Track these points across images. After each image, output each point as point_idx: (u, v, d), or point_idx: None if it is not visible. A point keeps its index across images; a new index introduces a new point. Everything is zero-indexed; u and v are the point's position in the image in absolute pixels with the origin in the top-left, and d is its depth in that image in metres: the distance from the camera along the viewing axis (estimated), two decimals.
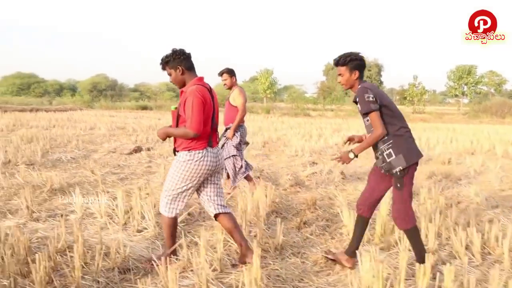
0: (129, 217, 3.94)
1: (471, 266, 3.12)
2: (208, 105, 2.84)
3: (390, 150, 2.78)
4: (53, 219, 4.00)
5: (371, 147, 2.93)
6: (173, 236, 3.05)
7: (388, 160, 2.80)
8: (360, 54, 2.91)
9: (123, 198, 4.04)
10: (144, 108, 33.23)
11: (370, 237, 3.69)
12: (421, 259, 2.79)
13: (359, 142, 3.15)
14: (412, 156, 2.79)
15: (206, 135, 2.85)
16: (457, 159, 8.84)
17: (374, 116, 2.72)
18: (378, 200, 3.04)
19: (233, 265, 3.02)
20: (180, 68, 2.87)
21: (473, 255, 3.28)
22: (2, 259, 2.68)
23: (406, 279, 2.53)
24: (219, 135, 3.78)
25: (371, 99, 2.72)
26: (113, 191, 5.18)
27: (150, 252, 3.24)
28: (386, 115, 2.81)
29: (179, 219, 3.98)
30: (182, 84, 2.93)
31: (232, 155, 4.99)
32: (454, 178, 6.67)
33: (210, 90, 2.94)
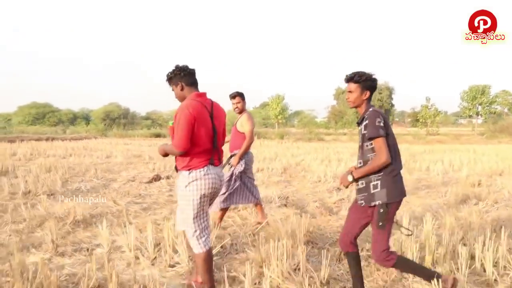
0: (159, 251, 3.72)
1: None
2: (203, 122, 2.71)
3: (378, 182, 2.65)
4: (79, 254, 3.80)
5: None
6: (210, 270, 2.84)
7: (372, 192, 2.66)
8: (374, 76, 2.79)
9: (153, 230, 3.84)
10: (158, 135, 33.39)
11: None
12: (430, 278, 2.68)
13: None
14: (396, 193, 2.66)
15: (207, 153, 2.75)
16: (487, 180, 8.51)
17: (381, 142, 2.59)
18: (358, 234, 2.87)
19: None
20: (180, 84, 2.83)
21: None
22: None
23: None
24: (224, 159, 3.56)
25: (382, 124, 2.62)
26: (137, 222, 4.99)
27: None
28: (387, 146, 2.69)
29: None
30: (183, 100, 2.86)
31: (226, 180, 4.57)
32: (490, 201, 6.34)
33: (211, 105, 2.83)
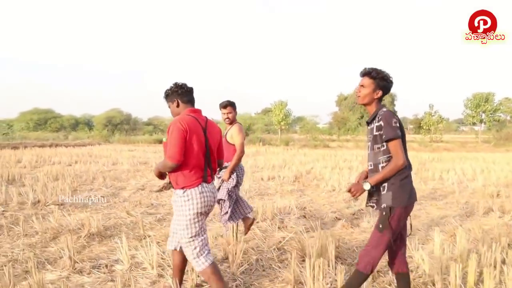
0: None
1: None
2: (196, 137, 2.69)
3: (385, 184, 2.51)
4: (98, 271, 3.59)
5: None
6: (221, 279, 2.77)
7: (381, 194, 2.52)
8: (391, 78, 2.62)
9: None
10: (161, 141, 33.20)
11: None
12: None
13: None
14: (402, 198, 2.47)
15: (200, 170, 2.73)
16: (505, 191, 8.29)
17: (397, 144, 2.45)
18: (404, 249, 2.67)
19: None
20: (176, 101, 2.85)
21: None
22: None
23: None
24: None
25: (398, 125, 2.47)
26: (154, 235, 4.78)
27: None
28: None
29: (238, 271, 3.57)
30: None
31: (220, 199, 4.29)
32: None
33: (205, 122, 2.84)
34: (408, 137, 43.07)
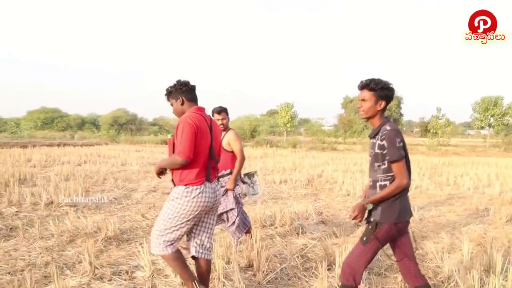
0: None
1: None
2: (204, 135, 2.69)
3: None
4: (119, 277, 3.48)
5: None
6: (185, 267, 2.76)
7: (377, 207, 2.43)
8: (391, 85, 2.49)
9: None
10: (167, 142, 33.17)
11: None
12: None
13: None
14: (391, 215, 2.38)
15: (204, 169, 2.71)
16: None
17: (402, 165, 2.36)
18: (413, 259, 2.53)
19: None
20: (181, 98, 2.82)
21: None
22: None
23: None
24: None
25: (402, 145, 2.39)
26: None
27: None
28: None
29: (264, 280, 3.45)
30: (181, 114, 2.83)
31: (230, 209, 4.22)
32: None
33: (210, 120, 2.83)
34: (415, 140, 42.78)
